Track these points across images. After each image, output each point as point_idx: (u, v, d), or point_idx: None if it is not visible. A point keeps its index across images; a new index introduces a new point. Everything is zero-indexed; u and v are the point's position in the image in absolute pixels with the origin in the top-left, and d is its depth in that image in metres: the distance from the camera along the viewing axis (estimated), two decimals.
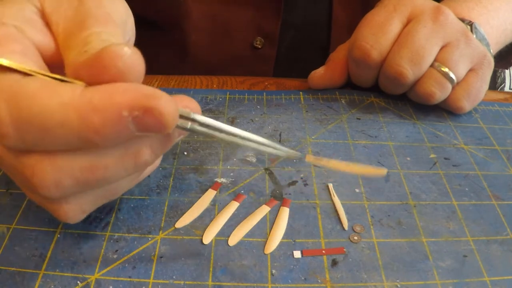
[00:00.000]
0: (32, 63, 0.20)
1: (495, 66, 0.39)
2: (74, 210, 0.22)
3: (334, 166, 0.26)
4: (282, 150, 0.24)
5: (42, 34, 0.22)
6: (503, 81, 0.62)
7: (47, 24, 0.23)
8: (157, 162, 0.27)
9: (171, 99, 0.19)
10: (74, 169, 0.20)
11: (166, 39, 0.50)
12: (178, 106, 0.20)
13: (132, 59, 0.18)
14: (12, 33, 0.21)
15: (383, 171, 0.25)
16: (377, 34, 0.37)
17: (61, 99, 0.18)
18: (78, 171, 0.20)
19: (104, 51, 0.18)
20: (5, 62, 0.19)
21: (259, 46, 0.50)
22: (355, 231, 0.28)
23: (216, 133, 0.22)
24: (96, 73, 0.18)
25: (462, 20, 0.38)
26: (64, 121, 0.18)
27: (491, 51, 0.40)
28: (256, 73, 0.47)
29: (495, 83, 0.62)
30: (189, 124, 0.21)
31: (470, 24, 0.38)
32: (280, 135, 0.36)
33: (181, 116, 0.21)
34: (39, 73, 0.20)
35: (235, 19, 0.48)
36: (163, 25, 0.50)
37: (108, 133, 0.18)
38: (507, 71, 0.66)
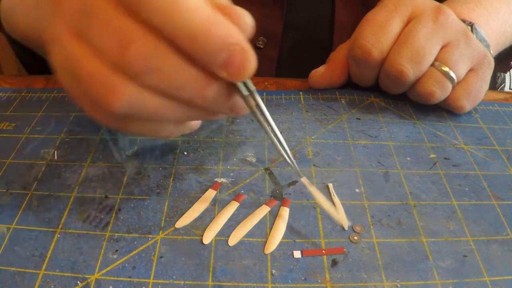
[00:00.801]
0: None
1: (494, 69, 0.39)
2: (127, 95, 0.24)
3: (316, 197, 0.29)
4: (293, 165, 0.29)
5: None
6: (503, 81, 0.62)
7: None
8: (198, 123, 0.30)
9: (255, 63, 0.23)
10: (164, 57, 0.23)
11: None
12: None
13: (249, 24, 0.25)
14: None
15: (346, 223, 0.28)
16: (377, 34, 0.37)
17: (205, 8, 0.22)
18: (166, 62, 0.23)
19: (235, 9, 0.24)
20: None
21: (262, 46, 0.50)
22: (355, 231, 0.28)
23: (259, 116, 0.27)
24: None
25: (463, 21, 0.38)
26: (193, 11, 0.22)
27: (491, 52, 0.40)
28: (258, 73, 0.47)
29: (495, 83, 0.62)
30: (247, 93, 0.26)
31: (471, 25, 0.38)
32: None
33: (247, 86, 0.26)
34: None
35: None
36: None
37: (211, 43, 0.22)
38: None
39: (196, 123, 0.30)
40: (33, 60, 0.52)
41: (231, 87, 0.25)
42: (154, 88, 0.24)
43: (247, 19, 0.24)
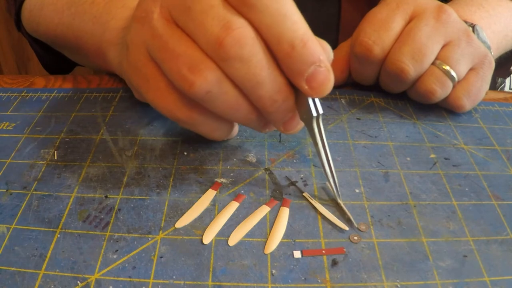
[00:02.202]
0: None
1: (494, 74, 0.39)
2: (210, 79, 0.25)
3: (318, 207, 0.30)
4: (337, 193, 0.30)
5: None
6: (503, 81, 0.62)
7: None
8: (236, 130, 0.33)
9: (332, 85, 0.26)
10: (257, 52, 0.25)
11: None
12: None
13: (331, 56, 0.27)
14: None
15: (345, 227, 0.28)
16: (379, 31, 0.37)
17: (305, 25, 0.25)
18: (257, 56, 0.25)
19: (322, 40, 0.27)
20: None
21: None
22: (360, 230, 0.28)
23: (318, 140, 0.29)
24: None
25: (464, 22, 0.38)
26: (297, 23, 0.25)
27: (492, 54, 0.40)
28: None
29: (495, 83, 0.62)
30: (315, 114, 0.27)
31: (472, 26, 0.38)
32: (280, 135, 0.36)
33: (316, 107, 0.27)
34: None
35: None
36: None
37: (304, 55, 0.24)
38: None
39: (235, 131, 0.33)
40: (54, 60, 0.52)
41: (298, 103, 0.27)
42: (237, 79, 0.26)
43: (331, 53, 0.27)
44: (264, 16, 0.24)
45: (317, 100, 0.27)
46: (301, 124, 0.29)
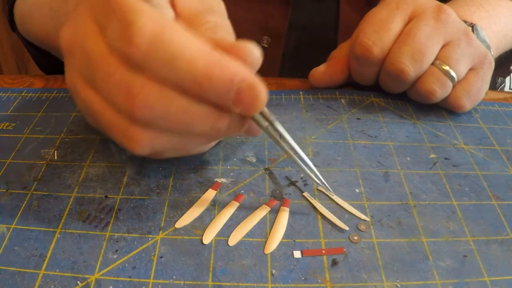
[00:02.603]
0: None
1: (494, 73, 0.39)
2: (146, 141, 0.25)
3: (318, 207, 0.30)
4: (324, 185, 0.29)
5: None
6: (503, 81, 0.62)
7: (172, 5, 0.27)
8: (213, 143, 0.32)
9: (266, 94, 0.24)
10: (171, 102, 0.23)
11: None
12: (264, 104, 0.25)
13: (258, 58, 0.25)
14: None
15: (345, 227, 0.28)
16: (379, 31, 0.37)
17: (200, 45, 0.23)
18: (173, 106, 0.23)
19: (241, 45, 0.24)
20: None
21: (266, 45, 0.50)
22: (360, 230, 0.28)
23: (283, 144, 0.27)
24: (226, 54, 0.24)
25: (464, 22, 0.38)
26: (192, 60, 0.22)
27: (492, 53, 0.40)
28: (261, 72, 0.47)
29: (495, 83, 0.62)
30: (265, 124, 0.26)
31: (472, 25, 0.38)
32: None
33: (264, 115, 0.26)
34: None
35: (242, 18, 0.49)
36: None
37: (216, 86, 0.23)
38: None
39: (210, 145, 0.32)
40: (49, 62, 0.52)
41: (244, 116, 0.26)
42: (169, 130, 0.25)
43: (255, 52, 0.25)
44: (156, 67, 0.23)
45: (264, 109, 0.26)
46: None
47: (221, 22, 0.27)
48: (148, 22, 0.22)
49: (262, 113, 0.26)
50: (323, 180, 0.29)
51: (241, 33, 0.50)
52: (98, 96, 0.25)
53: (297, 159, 0.28)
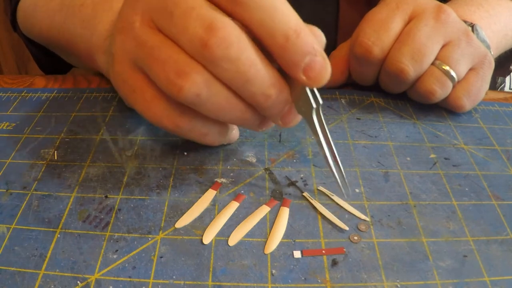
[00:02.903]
0: None
1: (494, 73, 0.39)
2: (198, 82, 0.25)
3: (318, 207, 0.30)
4: (344, 186, 0.30)
5: None
6: (503, 81, 0.62)
7: None
8: (236, 135, 0.34)
9: (330, 72, 0.26)
10: (245, 49, 0.24)
11: None
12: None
13: (324, 43, 0.27)
14: None
15: (345, 227, 0.28)
16: (379, 31, 0.37)
17: (292, 9, 0.25)
18: (245, 54, 0.24)
19: (316, 28, 0.27)
20: None
21: None
22: (360, 230, 0.28)
23: (320, 137, 0.28)
24: None
25: (464, 21, 0.38)
26: (287, 15, 0.24)
27: (492, 53, 0.40)
28: None
29: (495, 83, 0.62)
30: (315, 106, 0.27)
31: (472, 25, 0.38)
32: (280, 135, 0.36)
33: (315, 98, 0.27)
34: None
35: None
36: None
37: (299, 45, 0.24)
38: None
39: (235, 135, 0.33)
40: (50, 61, 0.52)
41: (294, 96, 0.27)
42: (226, 79, 0.25)
43: (323, 38, 0.27)
44: (254, 11, 0.24)
45: (315, 90, 0.27)
46: (299, 117, 0.29)
47: None
48: None
49: (315, 94, 0.27)
50: (346, 182, 0.30)
51: None
52: (161, 34, 0.25)
53: (328, 153, 0.28)
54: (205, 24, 0.24)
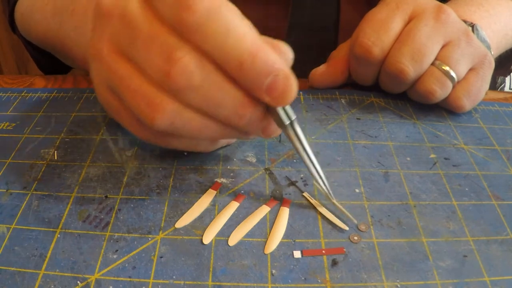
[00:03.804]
0: None
1: (495, 73, 0.39)
2: (170, 112, 0.25)
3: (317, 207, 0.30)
4: (328, 192, 0.29)
5: None
6: (503, 81, 0.62)
7: None
8: (220, 143, 0.32)
9: (297, 89, 0.25)
10: (208, 76, 0.24)
11: None
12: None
13: (291, 59, 0.26)
14: None
15: (345, 227, 0.28)
16: (378, 32, 0.37)
17: (249, 28, 0.24)
18: (209, 80, 0.24)
19: (280, 43, 0.26)
20: None
21: None
22: (360, 230, 0.28)
23: (298, 147, 0.28)
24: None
25: (464, 21, 0.38)
26: (242, 38, 0.23)
27: (492, 53, 0.40)
28: None
29: (495, 83, 0.62)
30: (287, 122, 0.27)
31: (472, 25, 0.38)
32: (280, 135, 0.36)
33: (287, 113, 0.27)
34: None
35: None
36: None
37: (257, 67, 0.24)
38: None
39: (230, 140, 0.33)
40: (49, 62, 0.53)
41: (267, 110, 0.26)
42: (195, 106, 0.25)
43: (289, 54, 0.26)
44: (207, 39, 0.23)
45: (287, 106, 0.26)
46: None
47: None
48: None
49: (285, 110, 0.26)
50: (329, 188, 0.29)
51: None
52: (128, 62, 0.25)
53: (309, 164, 0.29)
54: (165, 55, 0.23)
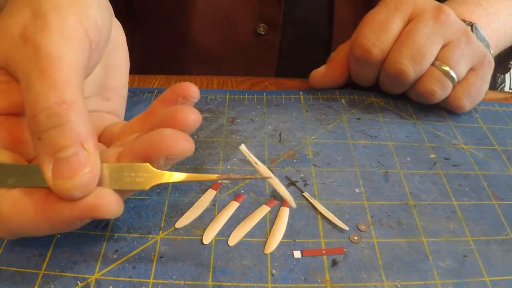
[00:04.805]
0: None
1: (494, 71, 0.39)
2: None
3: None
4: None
5: None
6: (503, 81, 0.62)
7: None
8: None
9: (115, 201, 0.22)
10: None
11: (168, 30, 0.50)
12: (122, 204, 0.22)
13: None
14: None
15: (345, 226, 0.28)
16: (378, 32, 0.37)
17: (29, 217, 0.21)
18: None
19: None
20: None
21: (263, 33, 0.50)
22: (360, 230, 0.28)
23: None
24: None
25: (463, 21, 0.38)
26: (37, 227, 0.22)
27: (491, 52, 0.40)
28: (260, 60, 0.48)
29: (495, 83, 0.62)
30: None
31: (471, 25, 0.39)
32: (280, 135, 0.36)
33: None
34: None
35: (238, 6, 0.49)
36: (166, 14, 0.50)
37: (68, 226, 0.22)
38: None
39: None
40: None
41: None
42: None
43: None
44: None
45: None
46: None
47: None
48: None
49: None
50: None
51: (237, 22, 0.50)
52: None
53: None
54: None
